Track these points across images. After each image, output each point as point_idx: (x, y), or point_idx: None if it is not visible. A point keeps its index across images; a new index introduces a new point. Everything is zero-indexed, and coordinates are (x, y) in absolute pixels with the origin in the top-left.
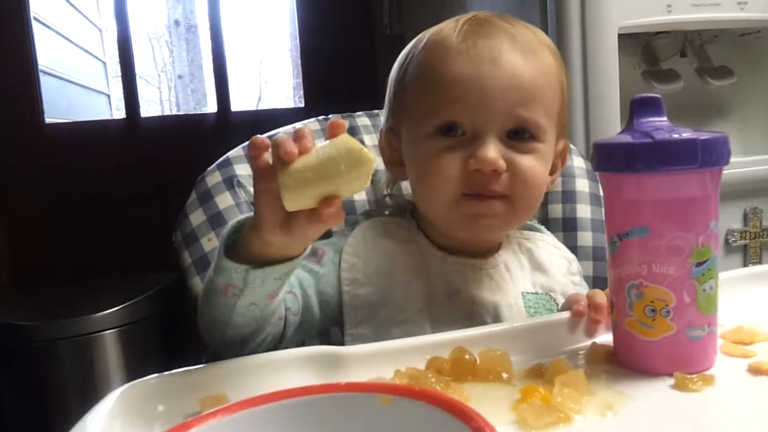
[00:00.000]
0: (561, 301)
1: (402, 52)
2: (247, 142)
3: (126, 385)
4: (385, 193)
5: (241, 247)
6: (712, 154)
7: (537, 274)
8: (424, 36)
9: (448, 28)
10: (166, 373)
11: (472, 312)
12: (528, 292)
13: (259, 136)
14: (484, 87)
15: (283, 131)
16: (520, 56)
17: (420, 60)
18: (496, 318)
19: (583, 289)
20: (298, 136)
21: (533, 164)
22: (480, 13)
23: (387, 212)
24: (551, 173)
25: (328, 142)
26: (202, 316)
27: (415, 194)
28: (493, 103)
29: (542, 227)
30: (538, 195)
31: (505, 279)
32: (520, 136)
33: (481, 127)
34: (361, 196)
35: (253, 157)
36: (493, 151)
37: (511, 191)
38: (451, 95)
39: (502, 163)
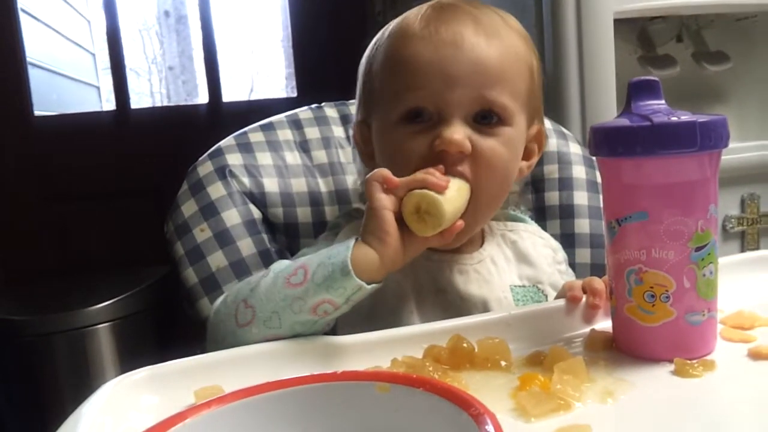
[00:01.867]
0: (549, 291)
1: (370, 43)
2: (239, 131)
3: (119, 378)
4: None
5: (356, 268)
6: (711, 137)
7: (523, 266)
8: (389, 26)
9: (412, 15)
10: (160, 364)
11: (461, 308)
12: (516, 285)
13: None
14: (446, 71)
15: (276, 119)
16: (484, 39)
17: (384, 49)
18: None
19: (570, 277)
20: (438, 171)
21: (498, 148)
22: None
23: None
24: (527, 158)
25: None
26: (237, 333)
27: None
28: (456, 86)
29: (526, 217)
30: (502, 181)
31: (492, 273)
32: (487, 120)
33: (446, 112)
34: (329, 187)
35: (386, 178)
36: (459, 133)
37: (473, 175)
38: (414, 81)
39: (467, 144)
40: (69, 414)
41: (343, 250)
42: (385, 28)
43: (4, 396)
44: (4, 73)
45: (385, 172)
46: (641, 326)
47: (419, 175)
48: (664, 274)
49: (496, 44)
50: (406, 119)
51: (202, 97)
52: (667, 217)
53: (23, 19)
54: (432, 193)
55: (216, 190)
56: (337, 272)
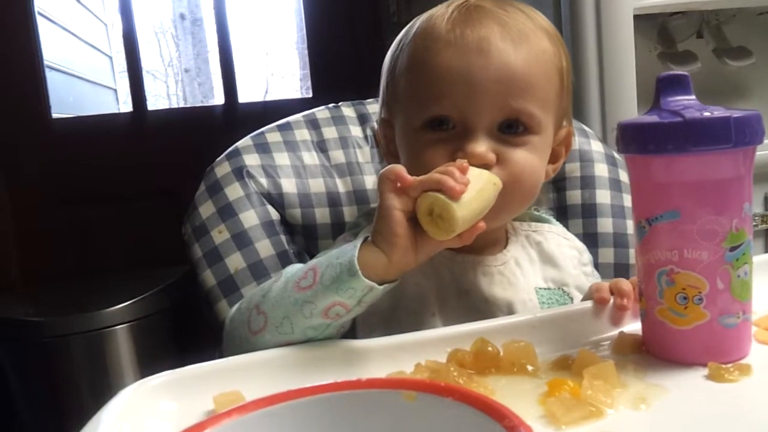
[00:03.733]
0: (575, 294)
1: (395, 40)
2: (256, 132)
3: (137, 383)
4: None
5: (363, 267)
6: (746, 133)
7: (548, 268)
8: (415, 23)
9: (438, 14)
10: (178, 369)
11: (485, 311)
12: (541, 288)
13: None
14: (472, 79)
15: (294, 119)
16: (511, 45)
17: (410, 51)
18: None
19: (595, 279)
20: (460, 170)
21: (526, 158)
22: None
23: None
24: (554, 161)
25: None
26: (250, 340)
27: None
28: (481, 95)
29: (550, 218)
30: (531, 188)
31: (517, 275)
32: (513, 129)
33: (471, 121)
34: (347, 187)
35: (399, 176)
36: (482, 146)
37: (501, 186)
38: (439, 89)
39: (491, 157)
40: (88, 416)
41: (350, 249)
42: (410, 25)
43: (22, 397)
44: (22, 76)
45: (398, 169)
46: (673, 329)
47: (435, 175)
48: (696, 275)
49: (524, 50)
50: (429, 126)
51: (218, 99)
52: (700, 216)
53: (41, 22)
54: (444, 197)
55: (233, 191)
56: (344, 272)
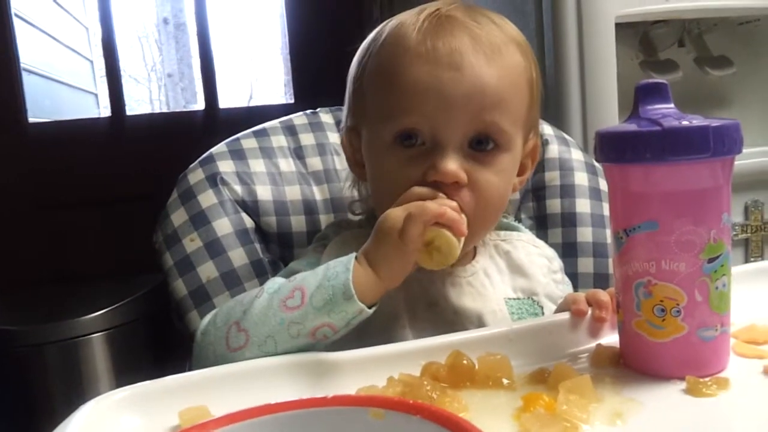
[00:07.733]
0: (545, 302)
1: (361, 46)
2: (231, 138)
3: (98, 398)
4: (353, 197)
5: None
6: (725, 142)
7: (517, 277)
8: (384, 30)
9: (409, 23)
10: (143, 383)
11: (454, 322)
12: (510, 298)
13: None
14: (444, 94)
15: (270, 125)
16: (483, 59)
17: (378, 60)
18: (481, 326)
19: (566, 286)
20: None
21: (495, 182)
22: (445, 4)
23: (357, 218)
24: (520, 174)
25: None
26: (228, 357)
27: (375, 205)
28: (453, 110)
29: (520, 225)
30: (497, 211)
31: (486, 285)
32: (483, 146)
33: (442, 136)
34: (324, 195)
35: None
36: (453, 164)
37: (469, 209)
38: (409, 102)
39: (463, 176)
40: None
41: (342, 271)
42: (378, 31)
43: None
44: None
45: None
46: (650, 342)
47: (449, 212)
48: (674, 287)
49: (497, 64)
50: (398, 141)
51: (201, 105)
52: (677, 227)
53: (18, 24)
54: (450, 235)
55: (207, 199)
56: (338, 296)
